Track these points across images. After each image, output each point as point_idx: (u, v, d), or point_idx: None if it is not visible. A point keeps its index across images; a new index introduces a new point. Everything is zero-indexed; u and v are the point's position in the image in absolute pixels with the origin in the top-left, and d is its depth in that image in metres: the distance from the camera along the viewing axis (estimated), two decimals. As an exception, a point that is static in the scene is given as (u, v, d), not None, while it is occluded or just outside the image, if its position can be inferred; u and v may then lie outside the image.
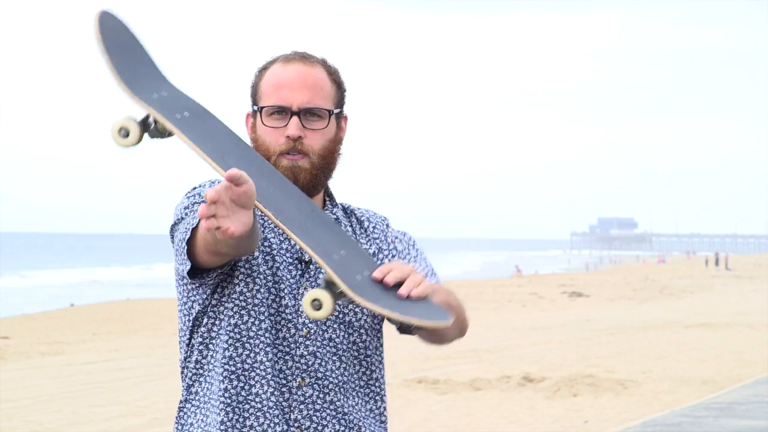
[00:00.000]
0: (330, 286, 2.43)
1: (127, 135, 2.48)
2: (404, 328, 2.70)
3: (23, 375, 15.89)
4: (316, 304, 2.40)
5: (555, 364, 15.88)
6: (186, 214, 2.65)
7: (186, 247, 2.57)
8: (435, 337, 2.72)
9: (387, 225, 2.85)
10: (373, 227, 2.83)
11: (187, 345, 2.73)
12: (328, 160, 2.70)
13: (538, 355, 17.28)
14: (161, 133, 2.52)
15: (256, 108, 2.72)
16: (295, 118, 2.67)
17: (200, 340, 2.70)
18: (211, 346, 2.69)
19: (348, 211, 2.83)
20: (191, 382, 2.72)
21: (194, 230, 2.54)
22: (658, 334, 21.05)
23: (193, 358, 2.71)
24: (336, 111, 2.73)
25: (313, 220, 2.55)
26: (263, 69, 2.74)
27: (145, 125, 2.51)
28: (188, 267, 2.59)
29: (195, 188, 2.75)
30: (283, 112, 2.68)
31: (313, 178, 2.68)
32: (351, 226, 2.80)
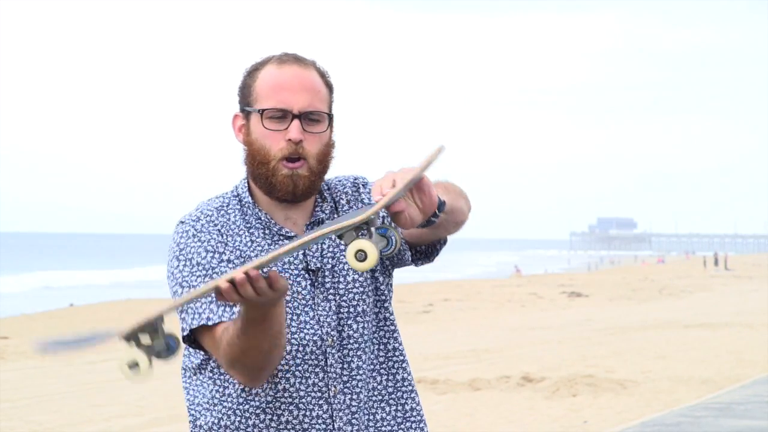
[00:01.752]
0: (360, 231, 2.39)
1: (137, 366, 2.43)
2: (421, 256, 2.75)
3: (22, 375, 15.89)
4: (360, 256, 2.36)
5: (554, 364, 15.88)
6: (181, 285, 2.62)
7: (189, 335, 2.61)
8: (453, 226, 2.68)
9: (364, 185, 2.81)
10: (352, 192, 2.80)
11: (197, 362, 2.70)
12: (324, 164, 2.69)
13: (538, 355, 17.28)
14: (159, 343, 2.43)
15: (251, 109, 2.67)
16: (296, 122, 2.64)
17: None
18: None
19: (332, 193, 2.79)
20: (226, 383, 2.66)
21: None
22: (658, 334, 21.04)
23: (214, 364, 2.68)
24: (332, 114, 2.72)
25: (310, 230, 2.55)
26: (255, 70, 2.70)
27: (147, 348, 2.44)
28: (197, 359, 2.68)
29: (182, 222, 2.70)
30: (282, 115, 2.65)
31: (311, 184, 2.67)
32: (336, 211, 2.78)
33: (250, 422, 2.63)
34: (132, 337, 2.42)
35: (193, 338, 2.61)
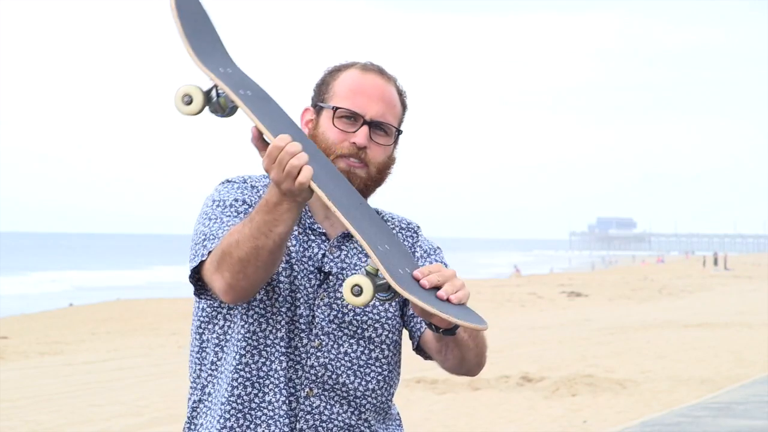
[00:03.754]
0: (371, 276, 2.42)
1: (189, 102, 2.49)
2: (419, 348, 2.76)
3: (22, 375, 15.89)
4: (356, 290, 2.39)
5: (554, 363, 15.87)
6: (206, 225, 2.66)
7: (195, 274, 2.63)
8: (454, 359, 2.69)
9: (416, 233, 2.83)
10: (403, 238, 2.81)
11: (199, 341, 2.73)
12: (382, 174, 2.71)
13: (537, 355, 17.27)
14: (222, 108, 2.52)
15: (325, 105, 2.69)
16: (365, 128, 2.66)
17: (216, 341, 2.70)
18: (225, 349, 2.69)
19: (382, 218, 2.81)
20: (206, 383, 2.71)
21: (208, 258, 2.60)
22: (657, 334, 21.03)
23: (209, 359, 2.71)
24: (401, 130, 2.74)
25: (361, 212, 2.55)
26: (337, 70, 2.73)
27: (208, 97, 2.52)
28: (194, 290, 2.66)
29: (227, 181, 2.75)
30: (353, 118, 2.67)
31: (366, 188, 2.68)
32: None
33: (236, 392, 2.65)
34: (215, 73, 2.49)
35: (200, 281, 2.63)
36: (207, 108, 2.52)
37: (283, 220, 2.46)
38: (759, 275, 58.65)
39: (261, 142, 2.49)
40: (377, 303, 2.71)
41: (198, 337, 2.73)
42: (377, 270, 2.43)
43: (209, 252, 2.58)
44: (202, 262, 2.59)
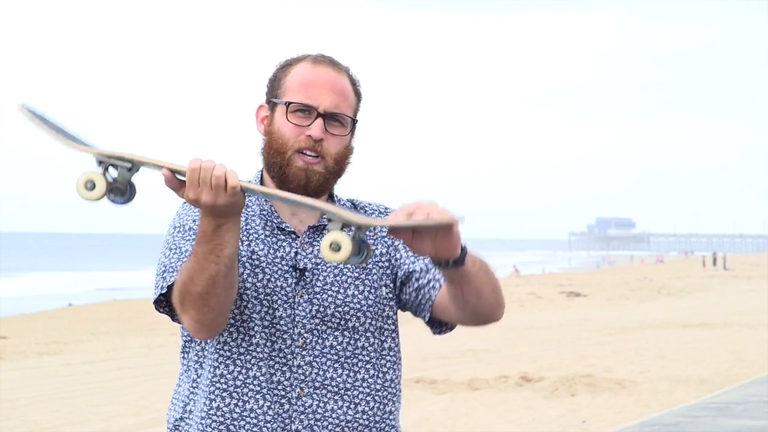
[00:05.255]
0: (342, 232, 2.41)
1: (93, 188, 2.48)
2: (432, 320, 2.73)
3: (21, 375, 15.88)
4: (335, 247, 2.38)
5: (553, 363, 15.88)
6: (168, 250, 2.69)
7: (166, 305, 2.66)
8: (472, 298, 2.60)
9: (387, 213, 2.82)
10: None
11: (186, 361, 2.75)
12: (340, 166, 2.70)
13: (536, 355, 17.28)
14: (122, 185, 2.50)
15: (278, 101, 2.69)
16: (320, 120, 2.66)
17: (196, 359, 2.72)
18: (204, 365, 2.69)
19: (356, 207, 2.81)
20: (187, 401, 2.72)
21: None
22: (656, 334, 21.04)
23: (191, 377, 2.72)
24: (356, 120, 2.74)
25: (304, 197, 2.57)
26: (288, 65, 2.73)
27: (107, 178, 2.51)
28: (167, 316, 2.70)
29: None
30: (307, 111, 2.67)
31: (326, 182, 2.68)
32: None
33: (214, 405, 2.65)
34: (105, 161, 2.48)
35: (167, 305, 2.65)
36: (110, 193, 2.50)
37: (227, 241, 2.47)
38: (758, 275, 58.62)
39: (175, 182, 2.47)
40: (354, 267, 2.69)
41: (185, 356, 2.75)
42: (342, 224, 2.41)
43: (168, 286, 2.61)
44: (162, 295, 2.63)
